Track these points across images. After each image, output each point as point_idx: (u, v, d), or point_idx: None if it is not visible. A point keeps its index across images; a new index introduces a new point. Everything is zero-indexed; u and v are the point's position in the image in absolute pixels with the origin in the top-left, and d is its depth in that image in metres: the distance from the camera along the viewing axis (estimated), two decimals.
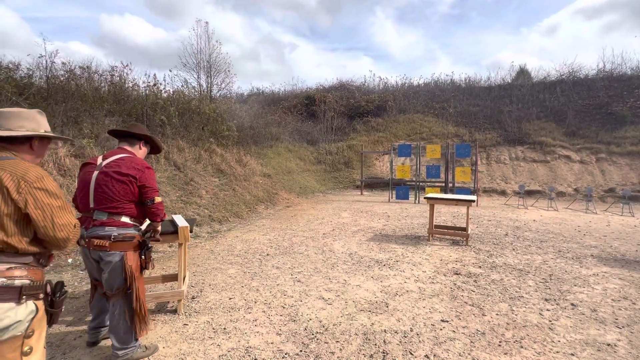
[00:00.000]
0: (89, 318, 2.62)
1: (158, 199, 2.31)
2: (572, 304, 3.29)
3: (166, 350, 2.45)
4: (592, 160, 13.65)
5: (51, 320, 1.46)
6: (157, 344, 2.49)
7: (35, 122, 1.48)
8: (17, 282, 1.32)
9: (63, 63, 7.57)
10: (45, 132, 1.52)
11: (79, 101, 6.88)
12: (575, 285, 3.78)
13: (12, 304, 1.29)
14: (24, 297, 1.32)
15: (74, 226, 1.49)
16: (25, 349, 1.32)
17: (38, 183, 1.36)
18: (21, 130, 1.43)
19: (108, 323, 2.49)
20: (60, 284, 1.53)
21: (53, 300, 1.46)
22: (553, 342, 2.61)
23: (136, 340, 2.29)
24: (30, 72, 7.04)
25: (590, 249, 5.36)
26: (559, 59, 44.06)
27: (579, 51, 45.74)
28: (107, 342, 2.48)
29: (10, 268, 1.32)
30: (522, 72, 20.08)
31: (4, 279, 1.29)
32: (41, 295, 1.40)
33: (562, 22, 69.44)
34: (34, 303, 1.37)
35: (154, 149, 2.60)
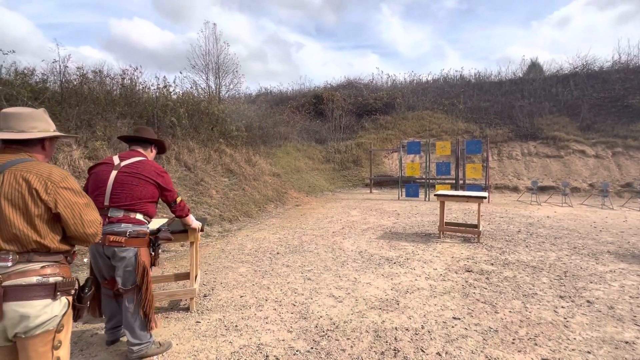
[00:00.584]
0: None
1: (179, 199, 2.60)
2: (588, 301, 3.22)
3: (179, 347, 2.49)
4: (608, 155, 13.30)
5: (77, 315, 1.52)
6: (170, 341, 2.53)
7: (45, 122, 1.51)
8: (52, 280, 1.37)
9: (78, 68, 7.73)
10: (54, 131, 1.56)
11: (91, 104, 7.02)
12: (591, 282, 3.70)
13: (48, 300, 1.35)
14: (58, 293, 1.38)
15: (100, 222, 1.55)
16: (56, 342, 1.38)
17: (64, 183, 1.41)
18: (34, 131, 1.46)
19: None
20: (90, 280, 1.61)
21: (81, 296, 1.52)
22: (568, 339, 2.56)
23: (150, 336, 2.34)
24: (45, 77, 7.22)
25: (606, 245, 5.23)
26: (572, 52, 43.02)
27: (593, 43, 44.52)
28: (124, 338, 2.54)
29: (44, 266, 1.38)
30: (534, 66, 19.67)
31: (40, 277, 1.35)
32: (72, 291, 1.46)
33: (574, 14, 67.75)
34: (66, 298, 1.43)
35: (161, 149, 2.75)
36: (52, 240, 1.39)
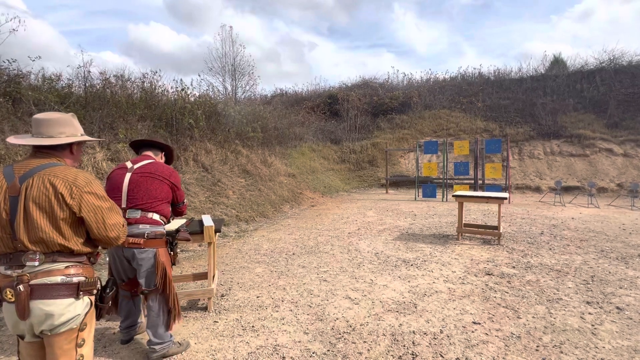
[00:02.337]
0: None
1: (185, 200, 2.75)
2: (618, 308, 3.07)
3: (198, 346, 2.53)
4: (637, 153, 12.68)
5: (99, 314, 1.58)
6: (189, 341, 2.57)
7: (73, 127, 1.56)
8: (75, 279, 1.43)
9: (101, 73, 8.02)
10: (82, 135, 1.61)
11: (114, 108, 7.24)
12: (620, 288, 3.53)
13: (71, 299, 1.41)
14: (81, 292, 1.43)
15: (123, 225, 1.60)
16: (79, 340, 1.44)
17: (88, 187, 1.45)
18: (62, 136, 1.51)
19: (139, 321, 2.63)
20: (112, 281, 1.67)
21: (103, 296, 1.58)
22: (597, 347, 2.44)
23: (171, 335, 2.39)
24: (70, 82, 7.51)
25: (636, 248, 4.98)
26: (595, 46, 41.13)
27: (618, 36, 42.44)
28: (143, 337, 2.60)
29: (68, 266, 1.43)
30: (557, 62, 18.97)
31: (64, 277, 1.40)
32: (94, 291, 1.51)
33: (596, 7, 64.53)
34: (89, 298, 1.48)
35: (169, 158, 2.78)
36: (75, 242, 1.44)
